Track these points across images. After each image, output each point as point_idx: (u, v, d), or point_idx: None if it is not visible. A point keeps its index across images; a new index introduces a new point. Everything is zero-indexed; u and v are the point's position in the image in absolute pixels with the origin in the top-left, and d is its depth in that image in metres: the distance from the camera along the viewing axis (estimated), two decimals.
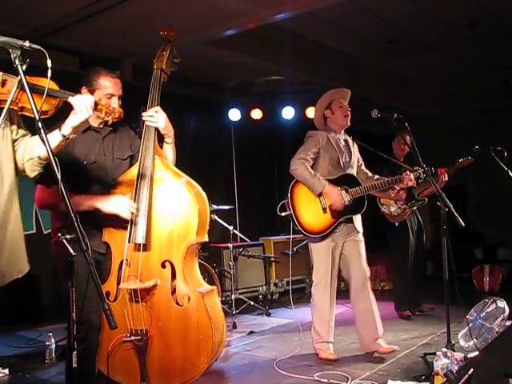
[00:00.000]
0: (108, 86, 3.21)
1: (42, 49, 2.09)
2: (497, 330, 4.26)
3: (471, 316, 4.52)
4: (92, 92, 3.20)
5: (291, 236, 4.76)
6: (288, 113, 8.32)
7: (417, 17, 6.48)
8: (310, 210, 4.50)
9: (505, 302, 4.51)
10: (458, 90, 9.33)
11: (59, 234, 2.25)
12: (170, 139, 3.38)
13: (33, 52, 2.12)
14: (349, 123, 4.67)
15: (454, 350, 4.03)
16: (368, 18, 6.47)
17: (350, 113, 4.65)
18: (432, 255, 8.75)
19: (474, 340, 4.28)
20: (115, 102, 3.25)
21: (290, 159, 4.55)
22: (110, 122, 2.98)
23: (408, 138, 5.98)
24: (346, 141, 4.73)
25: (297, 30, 6.77)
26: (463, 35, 7.14)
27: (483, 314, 4.48)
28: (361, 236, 4.68)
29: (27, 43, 2.10)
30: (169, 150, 3.41)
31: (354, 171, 4.67)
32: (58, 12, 5.59)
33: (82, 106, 2.44)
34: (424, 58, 8.04)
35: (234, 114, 8.32)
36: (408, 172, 4.66)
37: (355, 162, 4.73)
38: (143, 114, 3.31)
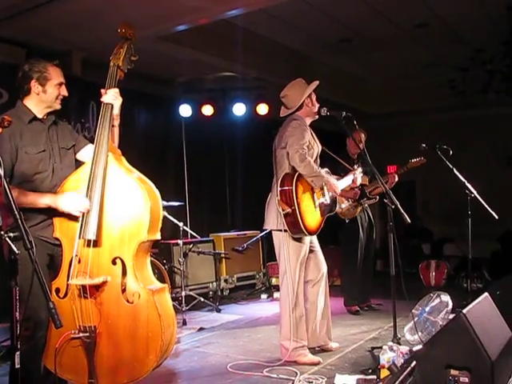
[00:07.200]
0: (58, 75, 3.26)
1: None
2: (440, 323, 4.37)
3: (417, 310, 4.62)
4: (44, 84, 3.21)
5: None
6: (239, 109, 8.28)
7: (368, 17, 6.59)
8: (308, 207, 4.45)
9: (448, 296, 4.62)
10: (407, 89, 9.52)
11: (1, 232, 2.19)
12: (117, 122, 3.39)
13: None
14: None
15: (399, 344, 4.15)
16: (320, 16, 6.54)
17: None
18: (381, 251, 8.92)
19: (419, 333, 4.38)
20: (64, 89, 3.30)
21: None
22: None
23: (363, 135, 6.10)
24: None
25: (249, 26, 6.78)
26: (412, 35, 7.29)
27: (428, 308, 4.58)
28: None
29: None
30: (116, 133, 3.42)
31: None
32: (5, 1, 5.43)
33: None
34: (374, 57, 8.18)
35: (185, 110, 8.24)
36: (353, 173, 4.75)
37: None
38: (103, 96, 3.31)
